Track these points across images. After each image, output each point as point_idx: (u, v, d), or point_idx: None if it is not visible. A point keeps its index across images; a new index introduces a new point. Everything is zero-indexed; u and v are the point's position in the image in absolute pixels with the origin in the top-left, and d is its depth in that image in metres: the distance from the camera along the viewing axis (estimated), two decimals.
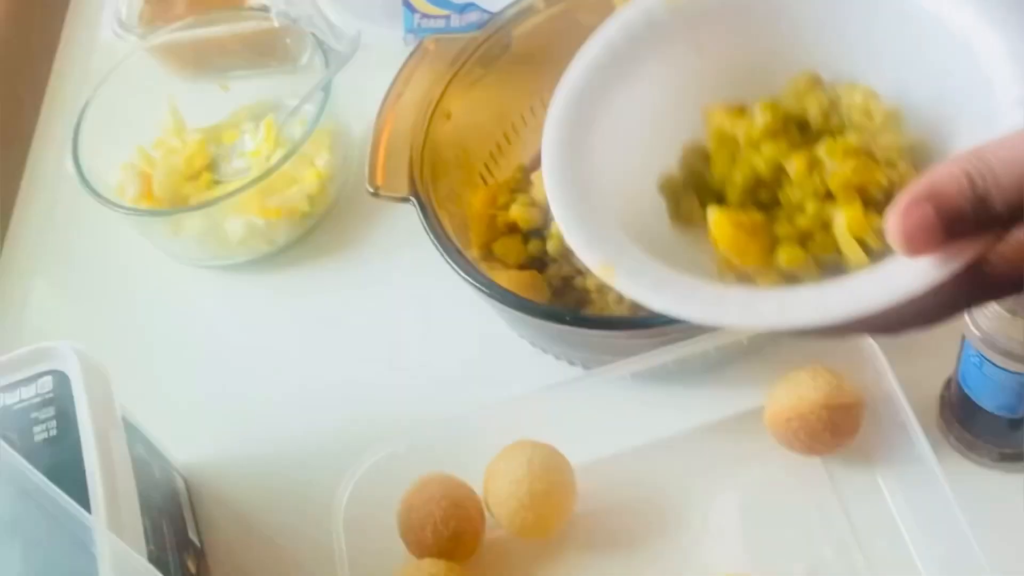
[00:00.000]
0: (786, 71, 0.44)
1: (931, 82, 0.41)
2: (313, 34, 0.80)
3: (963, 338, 0.53)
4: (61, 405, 0.54)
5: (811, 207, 0.40)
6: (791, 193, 0.41)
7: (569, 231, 0.40)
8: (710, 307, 0.37)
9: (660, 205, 0.44)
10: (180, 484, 0.65)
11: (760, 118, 0.42)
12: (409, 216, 0.64)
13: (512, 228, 0.68)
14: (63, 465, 0.51)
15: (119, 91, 0.80)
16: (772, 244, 0.40)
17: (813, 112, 0.42)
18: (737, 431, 0.61)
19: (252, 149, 0.81)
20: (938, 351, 0.57)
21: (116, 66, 0.81)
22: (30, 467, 0.47)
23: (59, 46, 0.99)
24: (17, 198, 0.88)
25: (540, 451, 0.58)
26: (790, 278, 0.40)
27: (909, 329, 0.36)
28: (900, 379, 0.56)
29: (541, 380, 0.62)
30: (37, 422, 0.53)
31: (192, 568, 0.60)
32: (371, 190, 0.64)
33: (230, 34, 0.84)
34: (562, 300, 0.66)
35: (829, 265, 0.40)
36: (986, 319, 0.49)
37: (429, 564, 0.56)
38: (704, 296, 0.38)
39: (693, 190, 0.43)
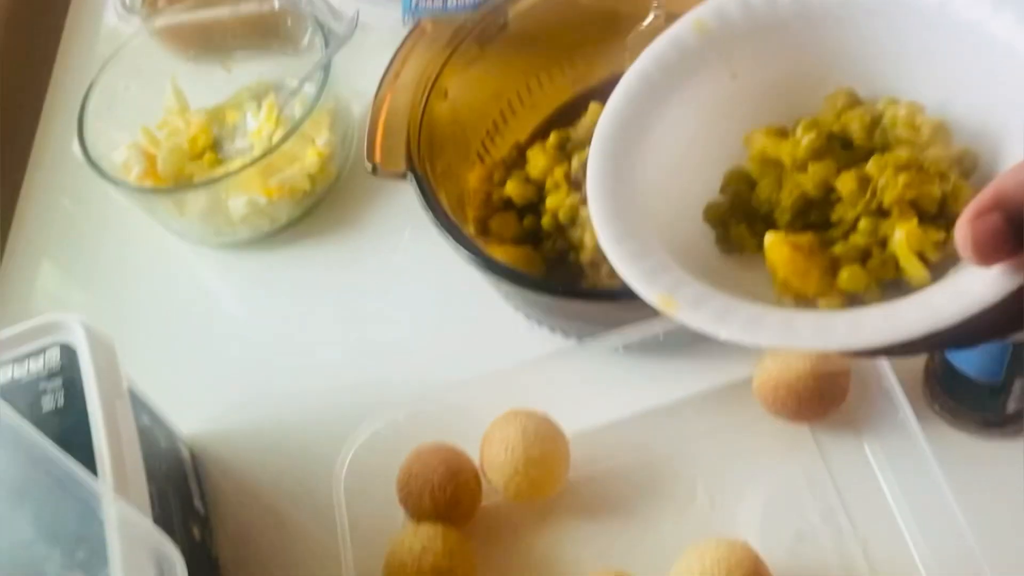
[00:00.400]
0: (821, 90, 0.44)
1: (975, 90, 0.41)
2: (313, 15, 0.81)
3: None
4: (68, 376, 0.55)
5: (865, 224, 0.40)
6: (842, 212, 0.41)
7: (623, 266, 0.40)
8: (780, 332, 0.36)
9: (706, 232, 0.44)
10: (185, 454, 0.66)
11: (805, 139, 0.42)
12: (408, 193, 0.65)
13: (508, 204, 0.69)
14: (71, 434, 0.53)
15: (123, 73, 0.82)
16: (831, 266, 0.40)
17: (855, 129, 0.42)
18: (726, 400, 0.62)
19: (254, 129, 0.82)
20: None
21: (120, 48, 0.82)
22: (40, 436, 0.49)
23: (64, 29, 1.00)
24: (24, 179, 0.90)
25: (534, 420, 0.59)
26: (852, 299, 0.40)
27: (983, 340, 0.36)
28: None
29: (536, 352, 0.64)
30: (45, 393, 0.55)
31: (197, 535, 0.62)
32: (369, 167, 0.66)
33: (232, 16, 0.86)
34: (557, 274, 0.67)
35: (889, 282, 0.40)
36: None
37: (427, 529, 0.57)
38: (771, 322, 0.37)
39: (740, 216, 0.43)
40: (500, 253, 0.66)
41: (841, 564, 0.56)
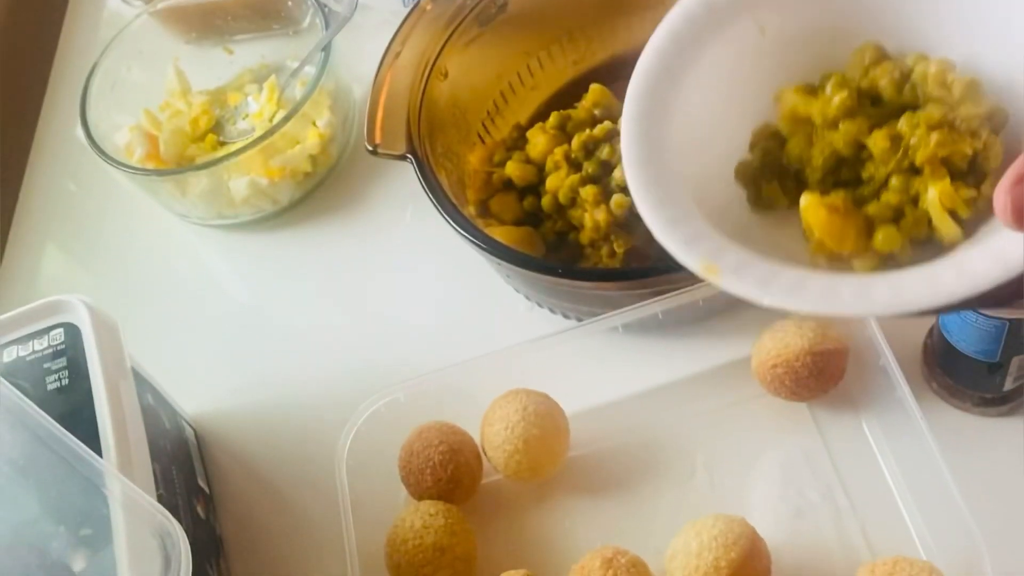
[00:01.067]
0: (848, 44, 0.44)
1: (1005, 44, 0.41)
2: None
3: None
4: (72, 356, 0.56)
5: (896, 182, 0.41)
6: (873, 170, 0.41)
7: (663, 234, 0.40)
8: (823, 298, 0.37)
9: (737, 191, 0.44)
10: (189, 433, 0.67)
11: (837, 98, 0.42)
12: (409, 174, 0.65)
13: (508, 185, 0.70)
14: (75, 413, 0.53)
15: (125, 55, 0.82)
16: (866, 226, 0.41)
17: (884, 85, 0.42)
18: (725, 379, 0.62)
19: (256, 111, 0.83)
20: None
21: (122, 31, 0.82)
22: (44, 415, 0.49)
23: (67, 12, 1.00)
24: (28, 162, 0.90)
25: (534, 399, 0.60)
26: (886, 259, 0.40)
27: (1016, 300, 0.36)
28: (886, 327, 0.57)
29: (536, 332, 0.64)
30: (49, 372, 0.55)
31: (201, 513, 0.62)
32: (370, 148, 0.66)
33: None
34: (557, 255, 0.68)
35: (921, 240, 0.40)
36: None
37: (428, 506, 0.58)
38: (814, 287, 0.38)
39: (771, 174, 0.43)
40: (500, 234, 0.66)
41: (839, 540, 0.57)
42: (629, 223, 0.65)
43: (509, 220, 0.69)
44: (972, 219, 0.40)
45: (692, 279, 0.59)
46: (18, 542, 0.48)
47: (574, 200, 0.66)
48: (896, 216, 0.41)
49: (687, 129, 0.43)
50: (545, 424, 0.59)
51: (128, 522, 0.48)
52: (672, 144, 0.43)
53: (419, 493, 0.60)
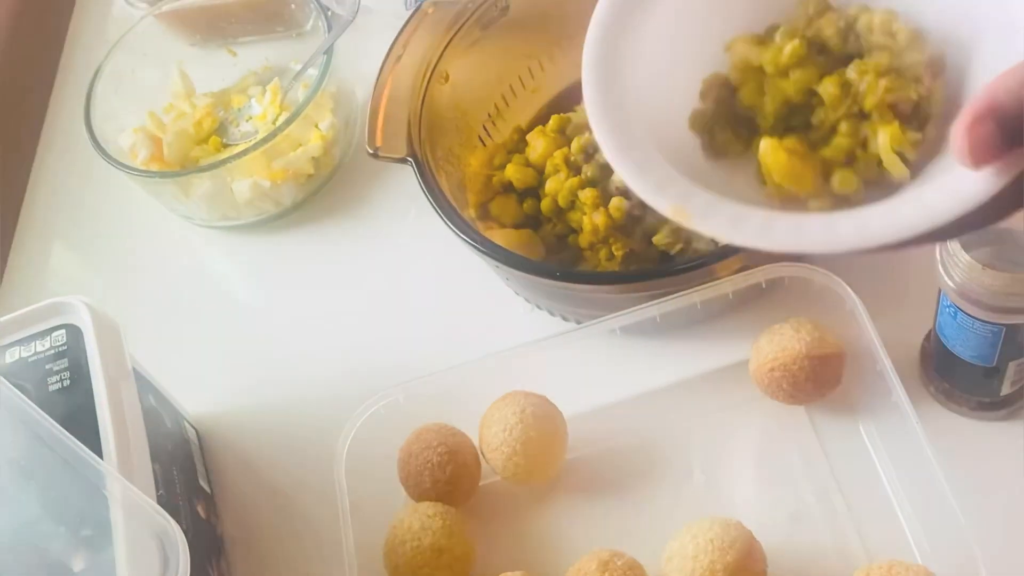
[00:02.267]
0: None
1: None
2: None
3: (940, 290, 0.54)
4: (74, 357, 0.56)
5: (845, 127, 0.43)
6: (823, 116, 0.43)
7: (632, 179, 0.41)
8: (793, 236, 0.39)
9: (691, 139, 0.45)
10: (191, 434, 0.67)
11: (788, 47, 0.44)
12: (411, 177, 0.65)
13: (508, 188, 0.70)
14: (76, 414, 0.54)
15: (130, 57, 0.83)
16: (823, 168, 0.43)
17: (830, 35, 0.44)
18: (723, 382, 0.63)
19: (259, 113, 0.83)
20: (920, 304, 0.59)
21: (126, 33, 0.83)
22: (45, 416, 0.50)
23: (72, 14, 1.01)
24: (34, 163, 0.91)
25: (533, 401, 0.60)
26: (840, 200, 0.42)
27: (972, 230, 0.39)
28: (885, 331, 0.57)
29: (534, 334, 0.64)
30: (51, 373, 0.56)
31: (202, 513, 0.63)
32: (371, 151, 0.66)
33: (237, 1, 0.86)
34: (556, 257, 0.68)
35: (871, 180, 0.42)
36: (959, 270, 0.50)
37: (427, 507, 0.58)
38: (782, 226, 0.39)
39: (724, 122, 0.45)
40: (500, 237, 0.67)
41: (835, 544, 0.57)
42: (628, 226, 0.65)
43: (509, 223, 0.69)
44: (917, 160, 0.42)
45: (690, 282, 0.59)
46: (19, 542, 0.49)
47: (573, 203, 0.66)
48: (849, 159, 0.43)
49: (642, 79, 0.44)
50: (543, 426, 0.59)
51: (128, 523, 0.48)
52: (629, 93, 0.44)
53: (417, 494, 0.60)
